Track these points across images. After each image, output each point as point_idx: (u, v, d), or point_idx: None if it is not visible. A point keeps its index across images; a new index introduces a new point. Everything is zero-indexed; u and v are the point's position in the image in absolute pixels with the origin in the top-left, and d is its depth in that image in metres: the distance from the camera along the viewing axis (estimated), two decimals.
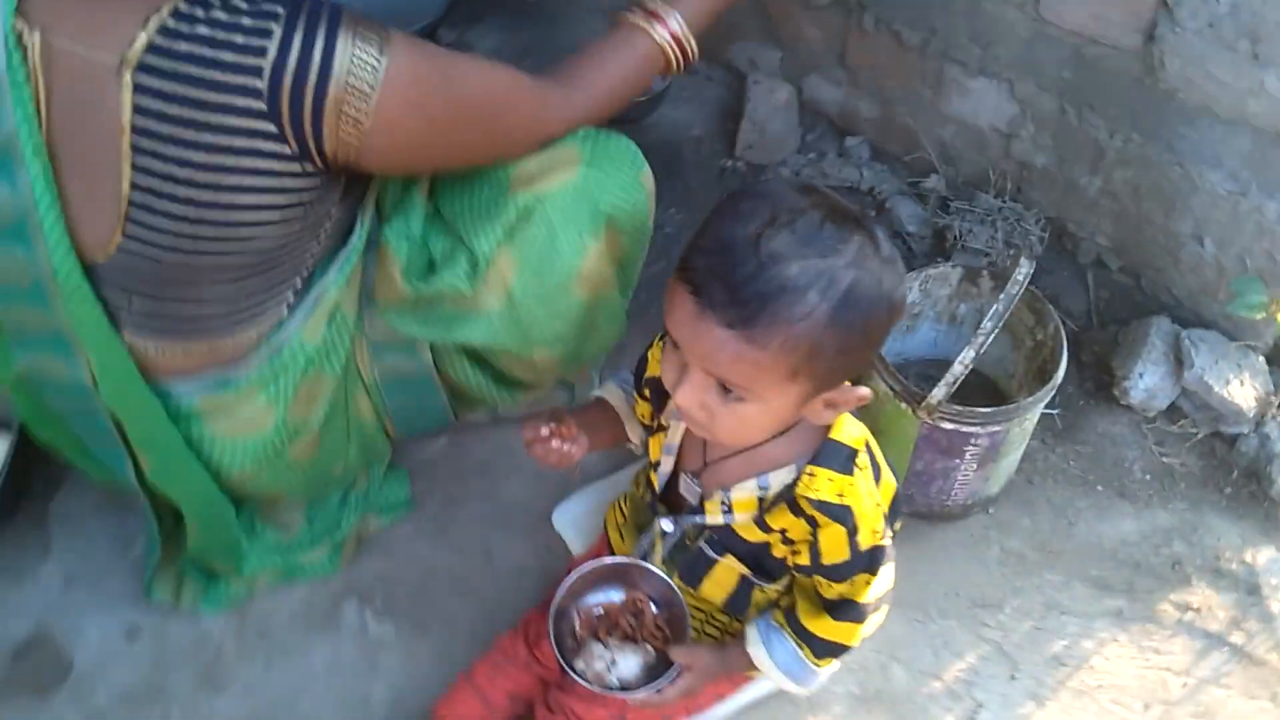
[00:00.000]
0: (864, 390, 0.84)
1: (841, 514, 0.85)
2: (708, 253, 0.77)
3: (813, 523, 0.87)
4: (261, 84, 0.83)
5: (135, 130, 0.83)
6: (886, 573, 0.91)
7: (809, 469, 0.86)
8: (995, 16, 1.41)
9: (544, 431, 0.96)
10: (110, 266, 0.92)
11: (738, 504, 0.91)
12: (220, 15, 0.83)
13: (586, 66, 1.06)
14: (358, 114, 0.87)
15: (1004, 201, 1.57)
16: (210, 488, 1.11)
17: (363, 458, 1.25)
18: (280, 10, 0.84)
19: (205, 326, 1.00)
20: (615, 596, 1.05)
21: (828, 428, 0.87)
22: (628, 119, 1.82)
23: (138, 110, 0.83)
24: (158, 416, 1.03)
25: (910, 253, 1.61)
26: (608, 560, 1.03)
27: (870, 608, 0.91)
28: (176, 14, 0.82)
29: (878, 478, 0.89)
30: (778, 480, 0.89)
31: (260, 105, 0.84)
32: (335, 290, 1.06)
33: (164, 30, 0.82)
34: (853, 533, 0.85)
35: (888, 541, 0.89)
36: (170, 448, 1.06)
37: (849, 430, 0.88)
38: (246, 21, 0.83)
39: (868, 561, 0.88)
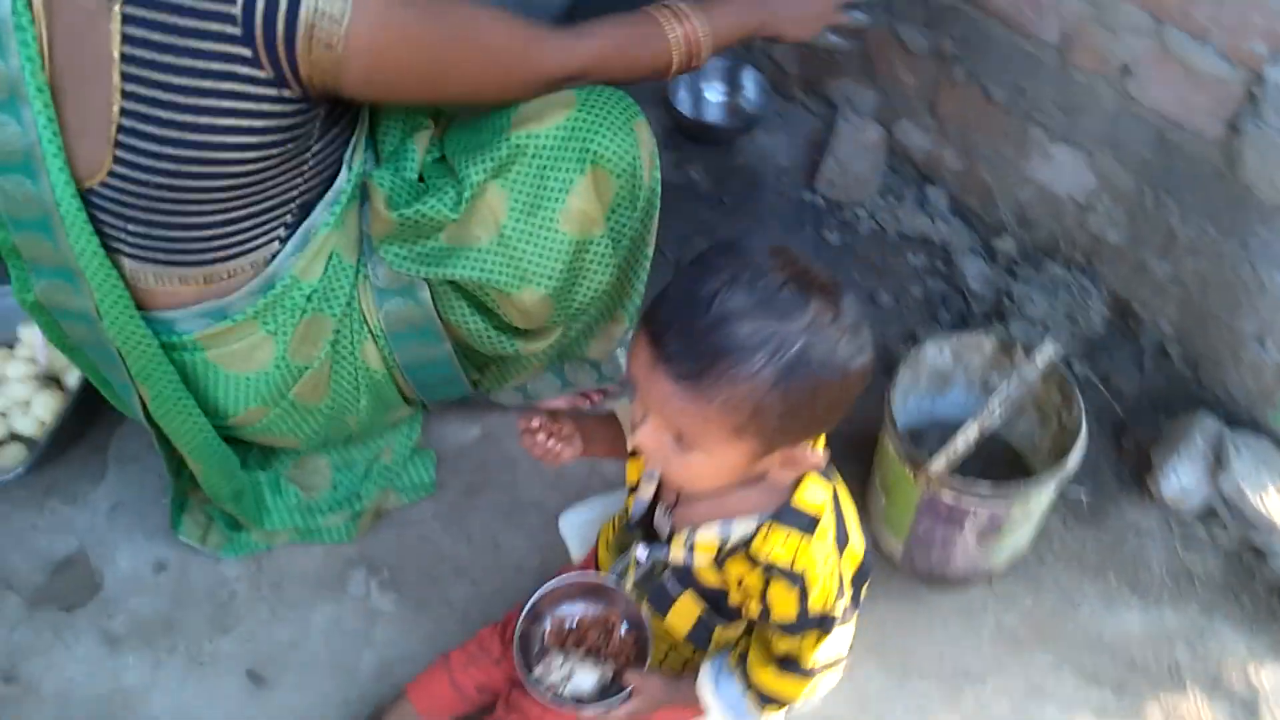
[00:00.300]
0: (818, 458, 0.85)
1: (793, 576, 0.86)
2: (670, 303, 0.79)
3: (767, 577, 0.88)
4: (235, 9, 0.88)
5: (124, 59, 0.91)
6: (839, 639, 0.91)
7: (768, 525, 0.88)
8: (1083, 86, 1.38)
9: (535, 424, 1.00)
10: (105, 193, 0.99)
11: (700, 545, 0.93)
12: None
13: (598, 27, 1.12)
14: (329, 37, 0.91)
15: (1072, 273, 1.53)
16: (206, 429, 1.17)
17: (377, 412, 1.29)
18: None
19: (198, 254, 1.06)
20: (591, 611, 1.08)
21: (793, 487, 0.89)
22: (719, 140, 1.85)
23: (125, 40, 0.90)
24: (152, 349, 1.09)
25: (968, 312, 1.59)
26: (588, 576, 1.06)
27: (816, 670, 0.92)
28: None
29: (843, 545, 0.90)
30: (739, 530, 0.90)
31: (235, 30, 0.89)
32: (326, 230, 1.12)
33: None
34: (803, 595, 0.86)
35: (842, 609, 0.89)
36: (165, 382, 1.12)
37: (812, 495, 0.89)
38: None
39: (817, 625, 0.88)
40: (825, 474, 0.91)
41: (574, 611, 1.07)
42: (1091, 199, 1.47)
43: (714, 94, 1.94)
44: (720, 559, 0.92)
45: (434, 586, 1.34)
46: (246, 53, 0.90)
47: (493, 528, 1.39)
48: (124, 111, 0.93)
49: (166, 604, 1.32)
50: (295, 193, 1.08)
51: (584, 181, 1.13)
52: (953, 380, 1.35)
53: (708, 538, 0.92)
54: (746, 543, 0.89)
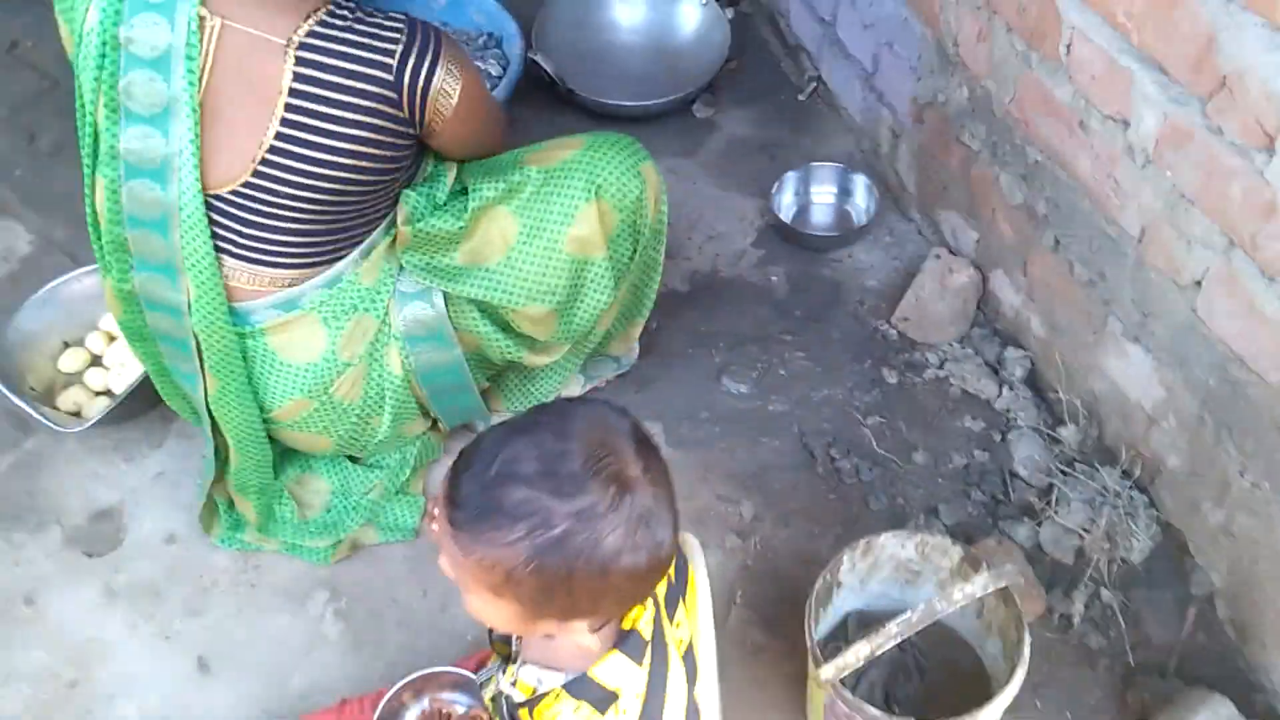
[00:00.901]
0: (586, 641, 0.82)
1: None
2: (479, 444, 0.80)
3: None
4: (390, 73, 1.14)
5: (291, 93, 1.12)
6: None
7: (559, 689, 0.86)
8: (1157, 286, 1.22)
9: (435, 511, 1.04)
10: (230, 199, 1.18)
11: (519, 684, 0.93)
12: (359, 23, 1.14)
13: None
14: (445, 105, 1.20)
15: (1127, 489, 1.35)
16: (257, 422, 1.33)
17: (397, 420, 1.39)
18: (399, 35, 1.15)
19: (298, 257, 1.24)
20: (459, 705, 1.10)
21: (597, 656, 0.86)
22: (815, 246, 1.79)
23: (296, 77, 1.11)
24: (232, 340, 1.26)
25: (1004, 497, 1.45)
26: (451, 670, 1.09)
27: None
28: (330, 14, 1.14)
29: None
30: (549, 681, 0.89)
31: (389, 77, 1.14)
32: (383, 241, 1.29)
33: (321, 23, 1.13)
34: None
35: None
36: (235, 375, 1.28)
37: (608, 672, 0.86)
38: (378, 30, 1.15)
39: None
40: (637, 655, 0.88)
41: (446, 697, 1.11)
42: (1159, 413, 1.30)
43: (822, 195, 1.87)
44: (530, 704, 0.92)
45: (377, 628, 1.41)
46: (394, 96, 1.15)
47: (448, 589, 1.43)
48: (279, 135, 1.12)
49: (161, 575, 1.47)
50: (382, 210, 1.27)
51: (588, 210, 1.29)
52: (924, 578, 1.24)
53: (526, 679, 0.92)
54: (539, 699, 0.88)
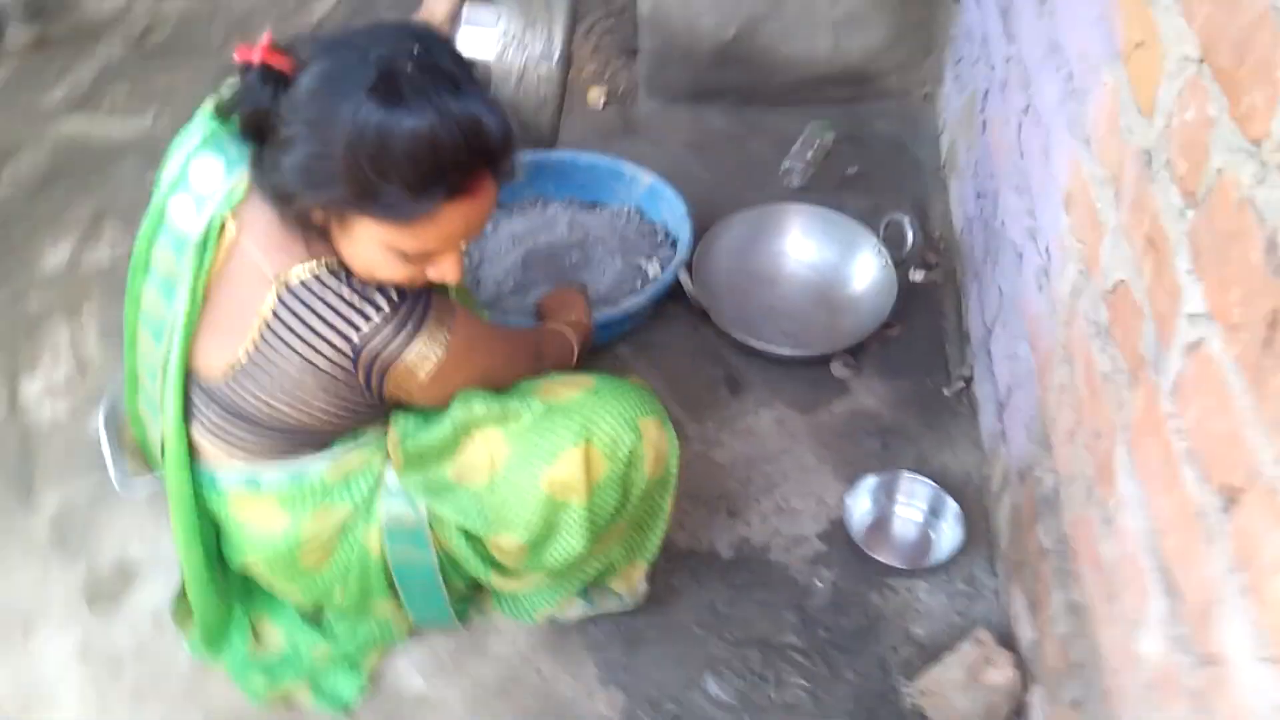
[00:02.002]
0: None
1: None
2: None
3: None
4: (356, 339, 1.13)
5: (266, 324, 1.13)
6: None
7: None
8: None
9: None
10: (208, 386, 1.21)
11: None
12: (345, 289, 1.12)
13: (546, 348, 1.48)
14: (413, 377, 1.18)
15: None
16: (204, 569, 1.36)
17: (363, 594, 1.40)
18: (376, 312, 1.13)
19: (254, 448, 1.27)
20: None
21: None
22: (877, 569, 1.62)
23: (274, 313, 1.12)
24: (188, 498, 1.31)
25: None
26: None
27: None
28: (328, 270, 1.12)
29: None
30: None
31: (349, 349, 1.14)
32: (365, 449, 1.31)
33: (314, 275, 1.12)
34: None
35: None
36: (187, 523, 1.32)
37: None
38: (360, 301, 1.13)
39: None
40: None
41: None
42: None
43: (910, 510, 1.70)
44: None
45: None
46: (350, 366, 1.15)
47: None
48: (249, 357, 1.16)
49: (130, 652, 1.56)
50: (349, 428, 1.29)
51: (573, 454, 1.25)
52: None
53: None
54: None
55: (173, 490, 1.31)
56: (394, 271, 1.13)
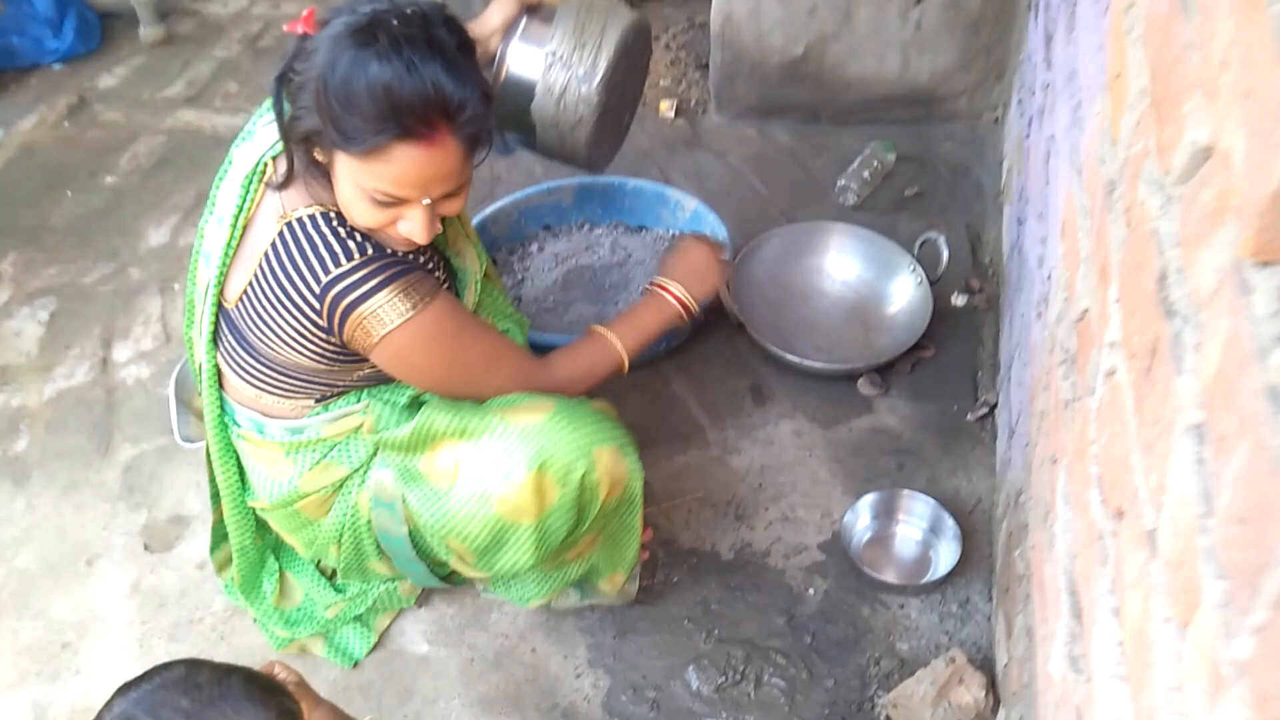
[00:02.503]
0: None
1: None
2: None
3: None
4: (325, 279, 1.23)
5: (266, 255, 1.27)
6: None
7: None
8: None
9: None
10: (229, 311, 1.36)
11: None
12: (332, 233, 1.24)
13: (569, 355, 1.49)
14: (367, 335, 1.25)
15: None
16: (237, 492, 1.51)
17: (356, 554, 1.52)
18: (360, 256, 1.23)
19: (257, 380, 1.39)
20: None
21: None
22: (870, 584, 1.64)
23: (273, 245, 1.26)
24: (217, 417, 1.46)
25: None
26: None
27: None
28: (323, 215, 1.25)
29: None
30: None
31: (318, 286, 1.23)
32: (359, 414, 1.40)
33: (310, 218, 1.25)
34: None
35: None
36: (219, 444, 1.47)
37: None
38: (340, 245, 1.23)
39: None
40: None
41: None
42: None
43: (910, 527, 1.72)
44: None
45: None
46: (317, 305, 1.24)
47: None
48: (250, 283, 1.30)
49: (174, 593, 1.73)
50: (339, 386, 1.40)
51: (526, 480, 1.30)
52: None
53: None
54: None
55: (208, 413, 1.46)
56: (366, 214, 1.22)
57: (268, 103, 1.34)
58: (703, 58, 2.71)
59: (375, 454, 1.43)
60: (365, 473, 1.44)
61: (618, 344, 1.50)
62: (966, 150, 2.44)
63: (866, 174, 2.33)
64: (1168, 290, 0.77)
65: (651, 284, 1.61)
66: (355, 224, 1.25)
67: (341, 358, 1.33)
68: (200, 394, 1.47)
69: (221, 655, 1.64)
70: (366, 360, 1.33)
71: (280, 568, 1.67)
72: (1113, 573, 0.83)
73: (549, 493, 1.31)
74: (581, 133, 1.68)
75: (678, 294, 1.58)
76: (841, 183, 2.32)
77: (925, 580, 1.63)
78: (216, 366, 1.44)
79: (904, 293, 2.03)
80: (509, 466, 1.30)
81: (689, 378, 2.01)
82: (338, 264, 1.23)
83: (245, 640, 1.66)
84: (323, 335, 1.28)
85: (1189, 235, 0.74)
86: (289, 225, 1.26)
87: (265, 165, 1.31)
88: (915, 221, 2.23)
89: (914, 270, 2.00)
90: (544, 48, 1.63)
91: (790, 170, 2.43)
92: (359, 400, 1.42)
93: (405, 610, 1.67)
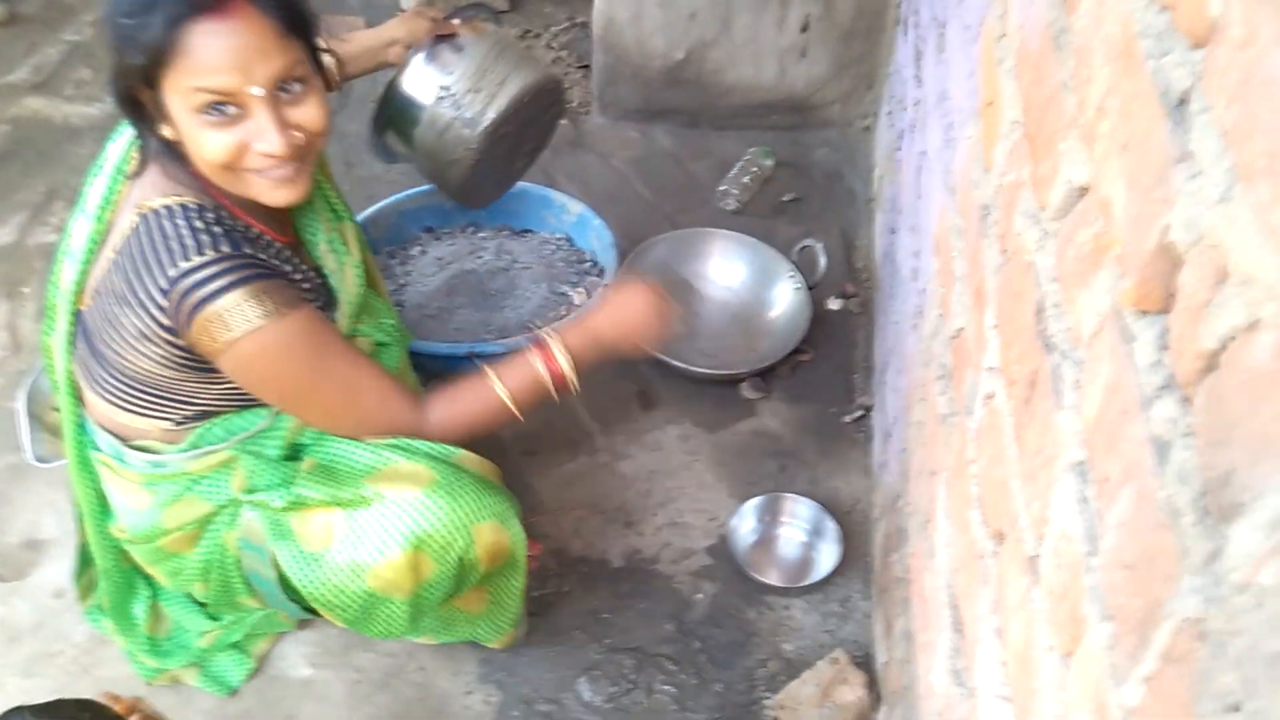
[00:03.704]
0: None
1: None
2: None
3: None
4: (173, 273, 1.15)
5: (118, 251, 1.20)
6: None
7: None
8: None
9: None
10: (84, 313, 1.29)
11: None
12: (190, 224, 1.17)
13: (447, 401, 1.34)
14: (213, 339, 1.17)
15: None
16: (97, 513, 1.42)
17: (223, 590, 1.44)
18: (215, 253, 1.16)
19: (110, 393, 1.30)
20: None
21: None
22: (756, 587, 1.67)
23: (127, 237, 1.20)
24: (76, 430, 1.36)
25: None
26: None
27: None
28: (182, 207, 1.18)
29: None
30: None
31: (165, 282, 1.16)
32: (227, 451, 1.32)
33: (168, 208, 1.18)
34: None
35: None
36: (78, 460, 1.38)
37: None
38: (196, 236, 1.16)
39: None
40: None
41: None
42: None
43: (792, 530, 1.75)
44: None
45: None
46: (164, 302, 1.17)
47: None
48: (102, 281, 1.23)
49: (28, 624, 1.62)
50: (198, 402, 1.31)
51: (401, 558, 1.25)
52: None
53: None
54: None
55: (66, 427, 1.37)
56: (212, 144, 1.14)
57: None
58: (585, 58, 2.69)
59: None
60: (235, 511, 1.35)
61: (506, 396, 1.31)
62: (840, 157, 2.50)
63: (746, 179, 2.36)
64: (1046, 324, 0.81)
65: (539, 338, 1.34)
66: (209, 172, 1.18)
67: (190, 364, 1.23)
68: (57, 408, 1.38)
69: (84, 690, 1.54)
70: (219, 372, 1.24)
71: (153, 595, 1.58)
72: (995, 594, 0.86)
73: (425, 568, 1.27)
74: (455, 172, 1.68)
75: (555, 362, 1.32)
76: (722, 188, 2.36)
77: (808, 582, 1.67)
78: (73, 380, 1.35)
79: (784, 298, 2.08)
80: (383, 541, 1.25)
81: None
82: (187, 258, 1.15)
83: (110, 672, 1.57)
84: (168, 336, 1.19)
85: (1067, 273, 0.78)
86: (143, 216, 1.18)
87: (131, 156, 1.25)
88: (793, 227, 2.28)
89: (793, 276, 2.05)
90: (441, 78, 1.60)
91: (673, 174, 2.45)
92: (225, 437, 1.33)
93: (285, 633, 1.61)
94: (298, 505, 1.29)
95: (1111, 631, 0.55)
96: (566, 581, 1.70)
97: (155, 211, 1.18)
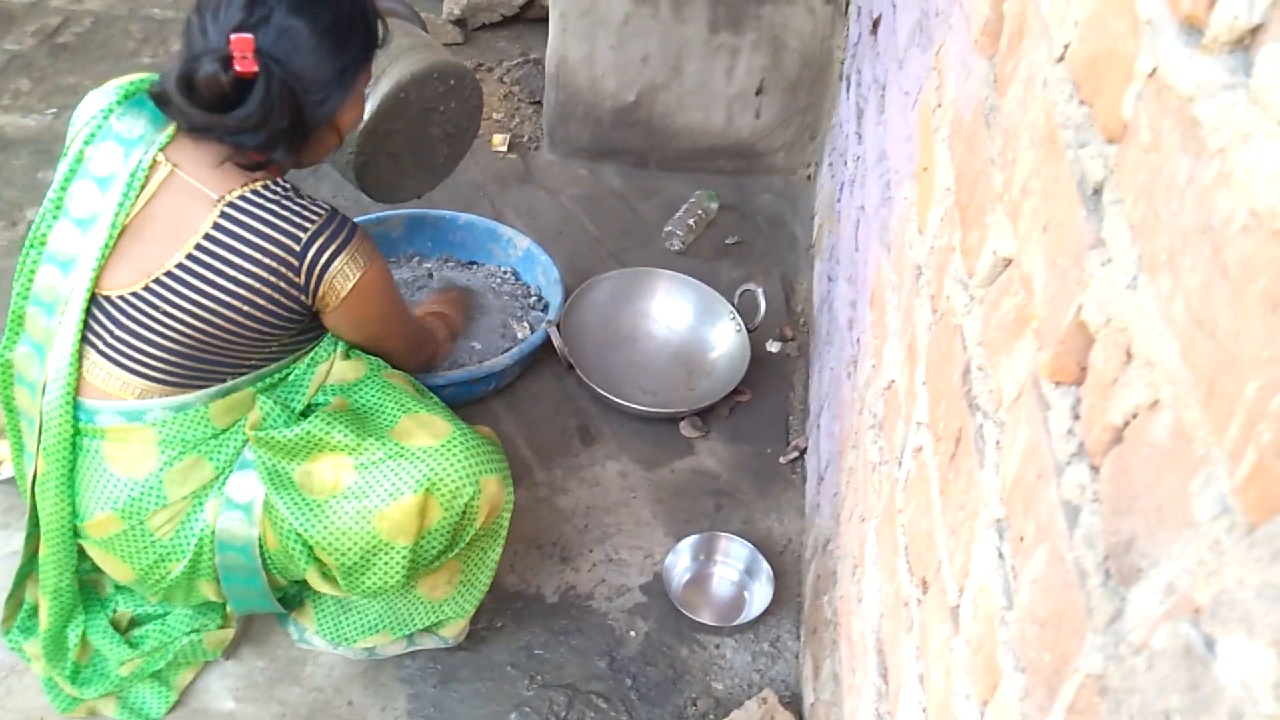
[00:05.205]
0: None
1: None
2: None
3: None
4: (297, 244, 1.29)
5: (205, 238, 1.27)
6: None
7: None
8: None
9: None
10: (114, 301, 1.30)
11: None
12: (286, 199, 1.30)
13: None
14: (341, 286, 1.33)
15: None
16: (68, 519, 1.39)
17: (191, 576, 1.42)
18: (317, 219, 1.30)
19: (151, 370, 1.33)
20: None
21: None
22: (689, 625, 1.70)
23: (214, 228, 1.27)
24: (68, 430, 1.35)
25: None
26: None
27: None
28: (266, 187, 1.29)
29: None
30: None
31: (296, 248, 1.29)
32: (252, 398, 1.39)
33: (255, 192, 1.29)
34: None
35: None
36: (62, 463, 1.36)
37: None
38: (301, 210, 1.30)
39: None
40: None
41: None
42: None
43: (726, 569, 1.77)
44: None
45: None
46: (295, 265, 1.29)
47: None
48: (180, 266, 1.27)
49: None
50: (249, 363, 1.38)
51: (413, 500, 1.34)
52: None
53: None
54: None
55: (54, 425, 1.34)
56: (359, 107, 1.41)
57: (114, 91, 1.34)
58: (536, 94, 2.73)
59: (238, 455, 1.39)
60: (223, 481, 1.40)
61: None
62: (782, 203, 2.57)
63: (691, 221, 2.41)
64: (971, 384, 0.86)
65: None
66: (348, 129, 1.41)
67: (295, 322, 1.35)
68: (39, 409, 1.35)
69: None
70: (301, 327, 1.38)
71: (84, 621, 1.54)
72: (918, 640, 0.90)
73: (432, 513, 1.35)
74: (350, 173, 1.72)
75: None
76: (668, 228, 2.40)
77: (739, 621, 1.70)
78: (77, 374, 1.34)
79: (724, 340, 2.12)
80: (398, 486, 1.34)
81: (518, 416, 2.01)
82: (310, 222, 1.29)
83: (21, 703, 1.53)
84: (296, 298, 1.31)
85: (990, 339, 0.83)
86: (234, 206, 1.27)
87: (156, 161, 1.29)
88: (735, 269, 2.33)
89: (734, 318, 2.10)
90: None
91: (620, 212, 2.49)
92: (254, 383, 1.40)
93: (210, 664, 1.59)
94: (311, 444, 1.36)
95: (1024, 683, 0.59)
96: (500, 617, 1.70)
97: (244, 198, 1.28)
